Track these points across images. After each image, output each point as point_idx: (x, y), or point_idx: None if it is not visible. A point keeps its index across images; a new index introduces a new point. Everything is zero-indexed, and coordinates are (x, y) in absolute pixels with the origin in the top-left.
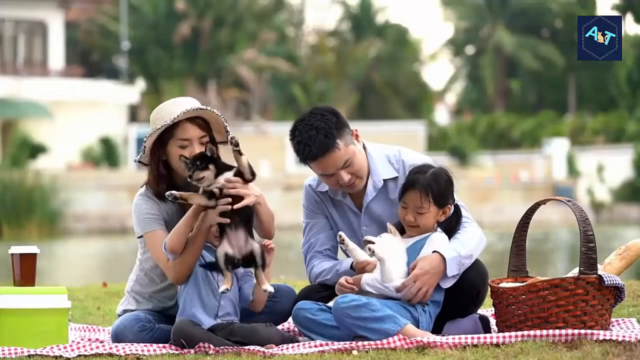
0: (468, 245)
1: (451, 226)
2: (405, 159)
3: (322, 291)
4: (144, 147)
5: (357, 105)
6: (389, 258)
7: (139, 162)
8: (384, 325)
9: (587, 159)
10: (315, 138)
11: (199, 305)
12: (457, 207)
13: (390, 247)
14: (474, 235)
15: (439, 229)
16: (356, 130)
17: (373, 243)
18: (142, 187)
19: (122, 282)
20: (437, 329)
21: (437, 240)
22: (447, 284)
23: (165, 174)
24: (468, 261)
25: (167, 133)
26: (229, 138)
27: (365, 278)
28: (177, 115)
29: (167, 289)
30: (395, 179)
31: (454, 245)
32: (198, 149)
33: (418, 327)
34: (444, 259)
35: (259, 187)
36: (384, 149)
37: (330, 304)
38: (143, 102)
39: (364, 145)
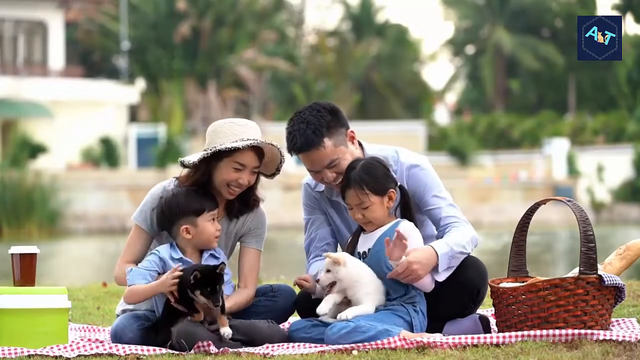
0: (460, 242)
1: (403, 208)
2: (403, 160)
3: None
4: (204, 155)
5: (357, 105)
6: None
7: (182, 164)
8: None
9: (587, 159)
10: (303, 132)
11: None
12: (402, 188)
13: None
14: (466, 233)
15: (401, 219)
16: (352, 131)
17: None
18: (173, 179)
19: None
20: (437, 329)
21: (412, 230)
22: (441, 278)
23: (203, 183)
24: (459, 257)
25: (226, 151)
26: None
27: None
28: (256, 140)
29: None
30: None
31: (447, 240)
32: (248, 177)
33: (412, 328)
34: (436, 252)
35: (259, 187)
36: (382, 150)
37: (319, 310)
38: (143, 102)
39: (362, 146)
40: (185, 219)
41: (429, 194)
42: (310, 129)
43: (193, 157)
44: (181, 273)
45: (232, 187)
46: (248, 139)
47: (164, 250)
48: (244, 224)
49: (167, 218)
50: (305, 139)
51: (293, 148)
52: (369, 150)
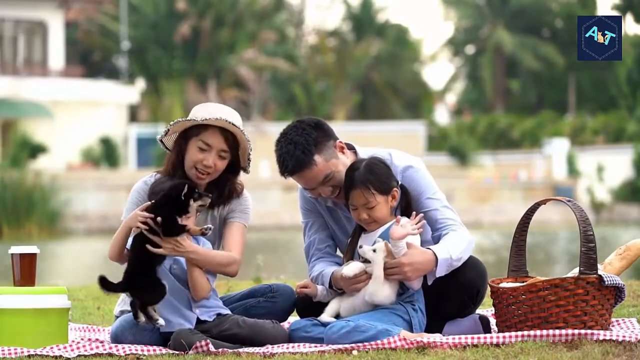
0: (458, 249)
1: (404, 208)
2: (397, 163)
3: None
4: (168, 128)
5: (357, 105)
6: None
7: (162, 142)
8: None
9: (587, 159)
10: (292, 153)
11: (178, 315)
12: (403, 187)
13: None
14: (464, 239)
15: (400, 217)
16: (340, 142)
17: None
18: (153, 173)
19: None
20: (437, 329)
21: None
22: (430, 281)
23: (180, 165)
24: (456, 264)
25: (194, 130)
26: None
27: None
28: (209, 119)
29: None
30: None
31: (447, 247)
32: (213, 159)
33: (411, 327)
34: (435, 258)
35: (259, 187)
36: (375, 153)
37: (322, 317)
38: (143, 102)
39: (355, 151)
40: None
41: (424, 196)
42: (299, 149)
43: (165, 134)
44: (149, 204)
45: (199, 169)
46: (209, 118)
47: None
48: (226, 206)
49: None
50: (295, 160)
51: (285, 171)
52: (362, 154)
